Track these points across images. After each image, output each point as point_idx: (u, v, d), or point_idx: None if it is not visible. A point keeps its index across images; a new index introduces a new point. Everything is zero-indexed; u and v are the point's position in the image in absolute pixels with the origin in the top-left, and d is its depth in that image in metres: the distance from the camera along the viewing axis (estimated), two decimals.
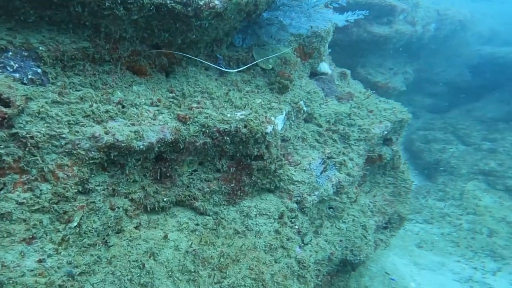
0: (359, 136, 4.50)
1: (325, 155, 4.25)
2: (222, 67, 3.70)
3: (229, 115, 3.31)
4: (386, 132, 4.76)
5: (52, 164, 2.58)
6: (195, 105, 3.31)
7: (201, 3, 3.02)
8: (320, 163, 4.13)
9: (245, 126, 3.28)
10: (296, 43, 4.80)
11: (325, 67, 5.21)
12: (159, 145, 2.98)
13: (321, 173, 3.93)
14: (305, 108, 4.38)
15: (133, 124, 2.90)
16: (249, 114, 3.38)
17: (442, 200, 8.69)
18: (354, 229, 4.23)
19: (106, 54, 3.07)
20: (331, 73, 5.32)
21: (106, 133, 2.77)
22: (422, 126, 12.95)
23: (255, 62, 3.94)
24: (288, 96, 4.17)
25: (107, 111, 2.89)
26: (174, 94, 3.35)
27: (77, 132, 2.69)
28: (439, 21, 14.49)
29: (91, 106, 2.85)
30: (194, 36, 3.36)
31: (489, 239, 7.19)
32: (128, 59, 3.22)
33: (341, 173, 4.14)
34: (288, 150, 3.99)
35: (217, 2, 3.13)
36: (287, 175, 3.79)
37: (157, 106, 3.19)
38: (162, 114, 3.12)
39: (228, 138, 3.26)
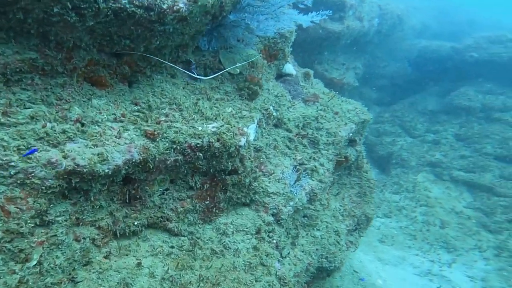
0: (328, 140, 4.53)
1: (296, 161, 4.22)
2: (195, 74, 3.49)
3: (200, 128, 3.13)
4: (351, 134, 4.85)
5: (1, 198, 2.24)
6: (163, 118, 3.08)
7: (165, 6, 2.79)
8: (292, 170, 4.08)
9: (218, 140, 3.13)
10: (261, 44, 4.69)
11: (290, 68, 5.17)
12: (126, 167, 2.73)
13: (295, 182, 3.89)
14: (274, 113, 4.31)
15: (95, 145, 2.62)
16: (221, 126, 3.22)
17: (397, 193, 9.18)
18: (328, 235, 4.27)
19: (58, 65, 2.73)
20: (295, 74, 5.29)
21: (65, 158, 2.47)
22: (373, 120, 13.58)
23: (225, 70, 3.76)
24: (258, 102, 4.06)
25: (64, 131, 2.57)
26: (139, 107, 3.09)
27: (30, 158, 2.36)
28: (381, 16, 15.19)
29: (44, 126, 2.51)
30: (158, 42, 3.11)
31: (442, 230, 7.73)
32: (85, 70, 2.90)
33: (313, 180, 4.13)
34: (261, 159, 3.89)
35: (181, 5, 2.91)
36: (262, 187, 3.70)
37: (122, 121, 2.91)
38: (128, 131, 2.85)
39: (200, 154, 3.08)
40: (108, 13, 2.59)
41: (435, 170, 10.40)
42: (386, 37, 15.89)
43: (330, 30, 11.15)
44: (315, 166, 4.23)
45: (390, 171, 10.57)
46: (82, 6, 2.47)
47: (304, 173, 4.00)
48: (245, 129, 3.39)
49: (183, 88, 3.53)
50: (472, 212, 8.55)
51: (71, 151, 2.50)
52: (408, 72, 16.27)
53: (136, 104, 3.13)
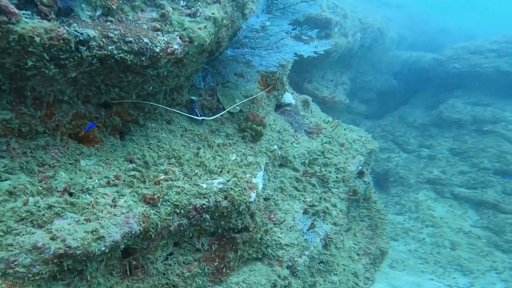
0: (337, 177, 4.29)
1: (306, 204, 3.94)
2: (198, 114, 3.21)
3: (205, 185, 2.83)
4: (360, 167, 4.63)
5: None
6: (163, 177, 2.77)
7: (157, 49, 2.51)
8: (303, 215, 3.81)
9: (226, 198, 2.83)
10: (258, 75, 4.45)
11: (289, 97, 4.95)
12: (125, 241, 2.39)
13: (309, 229, 3.61)
14: (279, 152, 4.04)
15: (88, 220, 2.28)
16: (227, 181, 2.94)
17: (401, 214, 9.01)
18: (346, 279, 3.99)
19: (38, 124, 2.40)
20: (294, 103, 5.08)
21: (53, 239, 2.13)
22: None
23: (227, 110, 3.49)
24: (263, 144, 3.79)
25: (50, 207, 2.23)
26: (134, 165, 2.76)
27: (11, 245, 2.01)
28: (362, 30, 15.38)
29: (26, 203, 2.17)
30: (151, 88, 2.82)
31: (453, 252, 7.56)
32: (70, 126, 2.57)
33: (326, 224, 3.86)
34: (270, 208, 3.59)
35: (176, 47, 2.64)
36: (274, 240, 3.40)
37: (116, 185, 2.58)
38: (124, 196, 2.52)
39: (207, 216, 2.77)
40: (93, 62, 2.28)
41: (435, 188, 10.29)
42: (369, 50, 16.10)
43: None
44: (327, 208, 3.97)
45: (390, 190, 10.42)
46: (62, 56, 2.16)
47: (319, 220, 3.73)
48: (253, 180, 3.11)
49: (181, 136, 3.23)
50: (480, 231, 8.44)
51: (60, 230, 2.16)
52: (394, 85, 16.47)
53: (130, 161, 2.80)
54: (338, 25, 12.79)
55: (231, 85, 3.83)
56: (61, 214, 2.25)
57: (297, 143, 4.47)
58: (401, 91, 16.09)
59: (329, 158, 4.45)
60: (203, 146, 3.29)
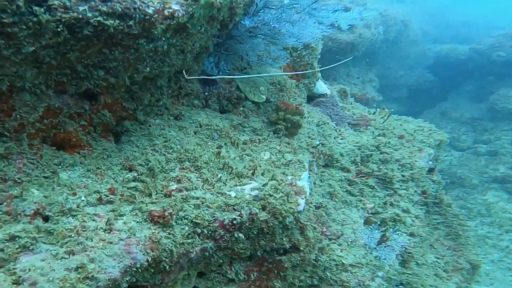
0: (403, 176, 3.57)
1: (367, 211, 3.24)
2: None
3: (233, 193, 2.21)
4: (431, 162, 3.90)
5: None
6: (175, 186, 2.16)
7: (150, 11, 1.94)
8: (364, 223, 3.11)
9: (264, 208, 2.20)
10: (287, 55, 3.86)
11: (323, 86, 4.33)
12: (128, 277, 1.76)
13: (379, 243, 2.89)
14: (323, 149, 3.38)
15: (71, 252, 1.67)
16: (264, 185, 2.31)
17: (469, 219, 8.10)
18: None
19: None
20: (330, 93, 4.44)
21: (18, 284, 1.53)
22: None
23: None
24: (302, 138, 3.15)
25: (13, 238, 1.65)
26: (136, 173, 2.17)
27: None
28: (384, 23, 14.87)
29: None
30: (148, 69, 2.25)
31: None
32: (41, 126, 2.01)
33: (401, 235, 3.12)
34: (322, 219, 2.91)
35: (176, 7, 2.06)
36: (334, 260, 2.70)
37: (111, 202, 1.98)
38: (123, 216, 1.92)
39: (240, 235, 2.13)
40: (59, 30, 1.72)
41: (505, 187, 9.31)
42: (394, 44, 15.63)
43: (342, 41, 10.51)
44: (397, 215, 3.24)
45: (447, 193, 9.49)
46: (6, 20, 1.60)
47: (392, 231, 3.01)
48: (298, 183, 2.46)
49: (195, 133, 2.63)
50: None
51: (29, 270, 1.56)
52: (430, 79, 15.97)
53: (130, 170, 2.21)
54: None
55: (253, 70, 3.24)
56: (31, 247, 1.65)
57: (341, 138, 3.81)
58: (438, 86, 15.61)
59: (387, 153, 3.75)
60: (225, 144, 2.68)
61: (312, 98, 4.40)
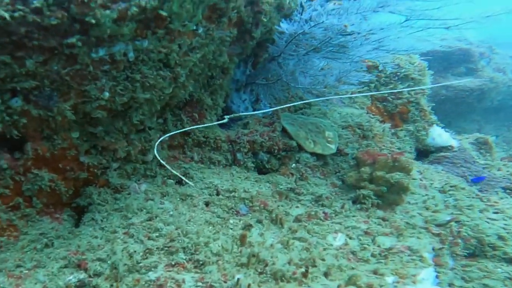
0: None
1: None
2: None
3: None
4: None
5: None
6: None
7: None
8: None
9: None
10: (368, 99, 3.01)
11: (442, 135, 3.32)
12: None
13: None
14: (458, 229, 2.32)
15: None
16: None
17: None
18: None
19: None
20: (459, 144, 3.38)
21: None
22: None
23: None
24: (413, 211, 2.16)
25: None
26: (85, 274, 1.41)
27: None
28: None
29: None
30: (107, 94, 1.57)
31: None
32: None
33: None
34: None
35: None
36: None
37: None
38: None
39: None
40: None
41: None
42: None
43: (462, 88, 9.25)
44: None
45: None
46: None
47: None
48: None
49: (207, 204, 1.82)
50: None
51: None
52: None
53: (79, 267, 1.45)
54: (484, 57, 10.98)
55: (307, 110, 2.42)
56: None
57: (495, 211, 2.68)
58: None
59: None
60: (259, 221, 1.81)
61: (425, 152, 3.36)
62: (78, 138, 1.57)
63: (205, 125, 1.86)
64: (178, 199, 1.78)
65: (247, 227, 1.77)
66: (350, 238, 1.97)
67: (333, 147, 2.43)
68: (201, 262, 1.55)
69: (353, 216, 2.17)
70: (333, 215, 2.12)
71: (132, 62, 1.55)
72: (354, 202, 2.28)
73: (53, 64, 1.39)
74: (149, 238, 1.59)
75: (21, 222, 1.51)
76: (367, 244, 1.93)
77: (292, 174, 2.16)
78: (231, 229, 1.75)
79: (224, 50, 1.89)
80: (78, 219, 1.68)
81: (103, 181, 1.69)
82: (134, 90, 1.59)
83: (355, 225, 2.08)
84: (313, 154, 2.32)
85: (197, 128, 1.84)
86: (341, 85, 2.38)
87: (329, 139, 2.46)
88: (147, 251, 1.55)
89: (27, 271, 1.42)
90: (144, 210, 1.66)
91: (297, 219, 1.96)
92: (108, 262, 1.49)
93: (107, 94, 1.54)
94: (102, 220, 1.62)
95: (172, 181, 1.85)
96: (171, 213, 1.68)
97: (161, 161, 1.70)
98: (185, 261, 1.55)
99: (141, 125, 1.71)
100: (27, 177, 1.50)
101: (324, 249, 1.81)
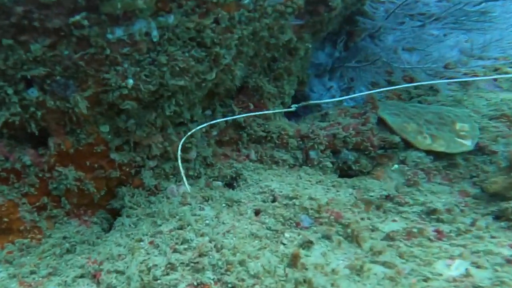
0: None
1: None
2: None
3: None
4: None
5: None
6: None
7: None
8: None
9: None
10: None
11: None
12: None
13: None
14: None
15: None
16: None
17: None
18: None
19: None
20: None
21: None
22: None
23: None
24: None
25: None
26: None
27: None
28: None
29: None
30: (131, 82, 1.42)
31: None
32: None
33: None
34: None
35: None
36: None
37: None
38: None
39: None
40: None
41: None
42: None
43: None
44: None
45: None
46: None
47: None
48: None
49: (256, 213, 1.50)
50: None
51: None
52: None
53: (94, 278, 1.31)
54: None
55: (436, 94, 1.87)
56: None
57: None
58: None
59: None
60: (326, 237, 1.41)
61: None
62: (108, 133, 1.45)
63: (253, 113, 1.54)
64: (223, 205, 1.50)
65: (306, 243, 1.37)
66: (479, 267, 1.38)
67: (467, 143, 1.83)
68: (230, 286, 1.24)
69: (492, 237, 1.56)
70: (453, 234, 1.54)
71: (156, 42, 1.37)
72: (496, 218, 1.65)
73: (62, 48, 1.29)
74: (175, 251, 1.35)
75: (46, 223, 1.44)
76: (509, 278, 1.33)
77: (390, 178, 1.66)
78: (284, 245, 1.38)
79: (287, 25, 1.56)
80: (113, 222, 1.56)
81: (138, 181, 1.53)
82: (162, 76, 1.40)
83: (493, 249, 1.47)
84: (429, 152, 1.76)
85: (245, 116, 1.54)
86: (473, 60, 1.78)
87: (462, 133, 1.86)
88: (169, 266, 1.31)
89: (40, 279, 1.33)
90: (177, 217, 1.42)
91: (389, 237, 1.46)
92: (123, 275, 1.31)
93: (131, 82, 1.38)
94: (130, 226, 1.45)
95: (219, 183, 1.58)
96: (207, 221, 1.41)
97: (179, 159, 1.45)
98: (212, 282, 1.26)
99: (178, 118, 1.51)
100: (53, 175, 1.43)
101: (425, 280, 1.30)
